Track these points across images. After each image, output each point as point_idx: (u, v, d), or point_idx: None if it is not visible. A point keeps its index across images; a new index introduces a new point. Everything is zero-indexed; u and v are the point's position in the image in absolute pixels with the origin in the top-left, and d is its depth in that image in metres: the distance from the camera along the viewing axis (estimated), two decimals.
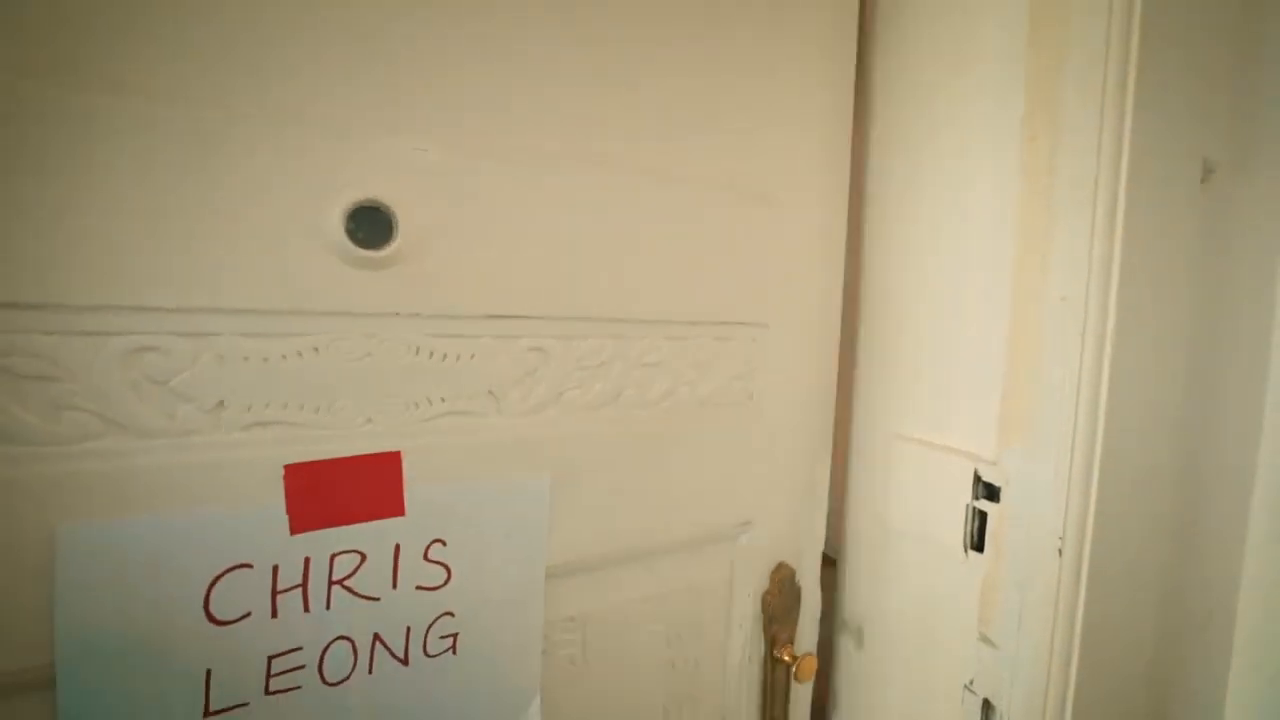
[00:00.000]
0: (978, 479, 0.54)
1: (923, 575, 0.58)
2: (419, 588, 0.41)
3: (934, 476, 0.57)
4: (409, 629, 0.41)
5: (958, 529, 0.55)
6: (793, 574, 0.57)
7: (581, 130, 0.43)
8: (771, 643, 0.56)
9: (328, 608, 0.38)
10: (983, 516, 0.53)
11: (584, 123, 0.43)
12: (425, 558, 0.41)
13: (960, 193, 0.55)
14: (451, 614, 0.42)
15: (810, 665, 0.55)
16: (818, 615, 0.59)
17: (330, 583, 0.38)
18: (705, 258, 0.49)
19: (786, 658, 0.55)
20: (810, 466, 0.59)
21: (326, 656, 0.38)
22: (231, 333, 0.34)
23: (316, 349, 0.37)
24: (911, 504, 0.59)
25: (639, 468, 0.48)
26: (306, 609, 0.37)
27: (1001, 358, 0.52)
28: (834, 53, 0.55)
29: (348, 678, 0.39)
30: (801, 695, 0.58)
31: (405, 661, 0.41)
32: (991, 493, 0.53)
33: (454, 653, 0.43)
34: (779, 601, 0.56)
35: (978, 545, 0.54)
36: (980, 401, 0.53)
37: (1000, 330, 0.52)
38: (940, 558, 0.56)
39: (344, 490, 0.38)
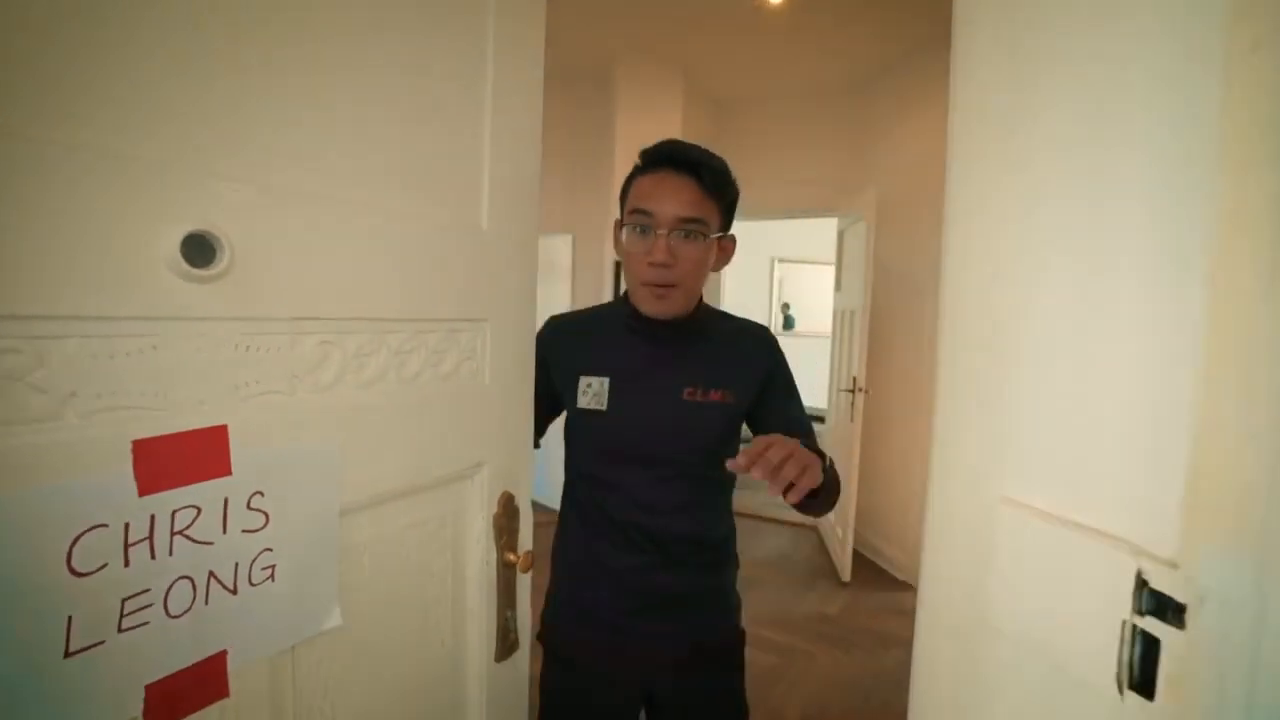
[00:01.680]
0: (1142, 584, 0.35)
1: (1044, 710, 0.40)
2: (244, 531, 0.52)
3: (1063, 567, 0.39)
4: (237, 565, 0.52)
5: (1105, 653, 0.36)
6: (512, 498, 0.81)
7: (357, 181, 0.61)
8: (502, 550, 0.79)
9: (171, 554, 0.48)
10: (1151, 644, 0.34)
11: (356, 176, 0.61)
12: (248, 507, 0.53)
13: (1102, 153, 0.37)
14: (270, 549, 0.54)
15: (528, 559, 0.80)
16: (531, 523, 0.85)
17: (172, 533, 0.48)
18: (440, 271, 0.71)
19: (512, 558, 0.80)
20: (523, 420, 0.85)
21: (170, 594, 0.48)
22: (83, 335, 0.43)
23: (156, 347, 0.46)
24: (1025, 598, 0.41)
25: (403, 428, 0.67)
26: (153, 557, 0.46)
27: (1188, 403, 0.33)
28: (525, 105, 0.80)
29: (189, 609, 0.49)
30: (524, 581, 0.84)
31: (234, 591, 0.52)
32: (1167, 609, 0.34)
33: (273, 580, 0.55)
34: (504, 519, 0.79)
35: (1142, 686, 0.35)
36: (1148, 467, 0.36)
37: (1186, 360, 0.33)
38: (1073, 691, 0.38)
39: (182, 458, 0.48)
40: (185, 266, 0.47)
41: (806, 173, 3.96)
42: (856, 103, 3.75)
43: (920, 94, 3.24)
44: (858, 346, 3.20)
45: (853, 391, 3.15)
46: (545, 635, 1.03)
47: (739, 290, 6.04)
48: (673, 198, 0.85)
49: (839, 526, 3.37)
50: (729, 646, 1.03)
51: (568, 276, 3.94)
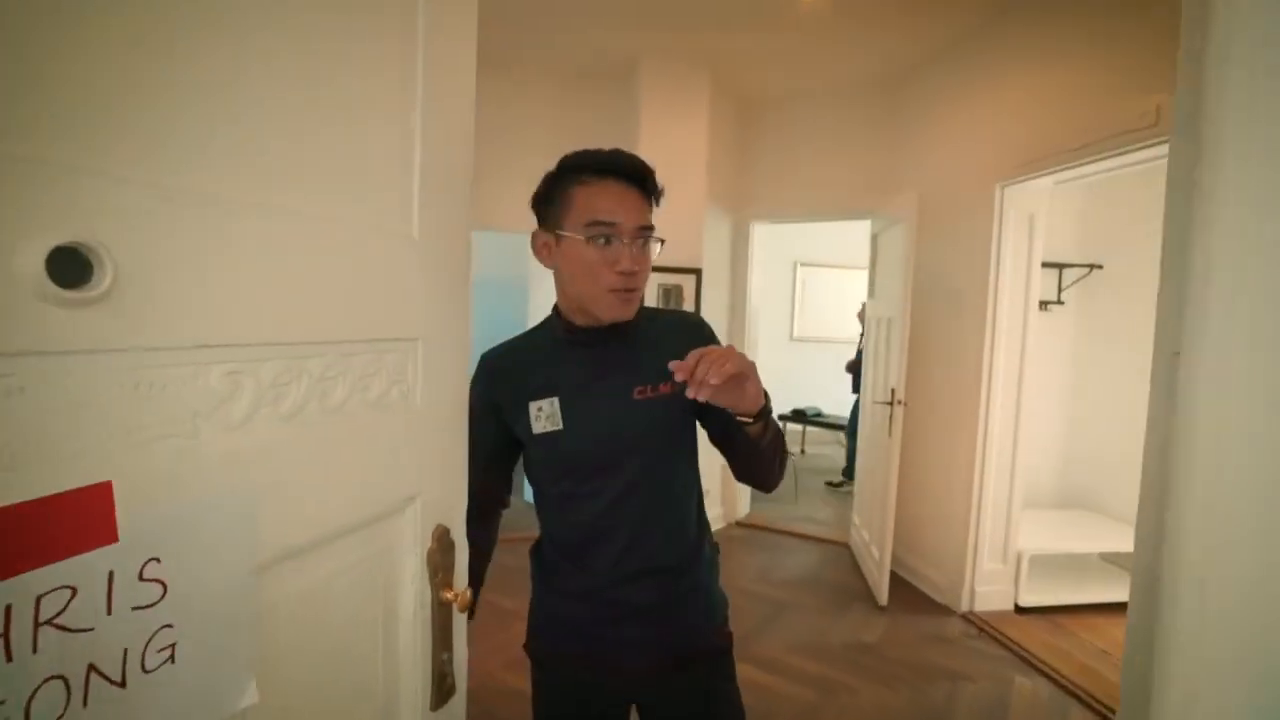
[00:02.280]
0: None
1: None
2: (135, 608, 0.43)
3: None
4: (126, 651, 0.43)
5: None
6: (447, 531, 0.73)
7: (264, 182, 0.51)
8: (437, 588, 0.72)
9: (35, 651, 0.38)
10: None
11: (268, 176, 0.51)
12: (140, 578, 0.43)
13: None
14: (170, 625, 0.45)
15: (466, 598, 0.73)
16: (466, 559, 0.78)
17: (36, 625, 0.38)
18: (367, 285, 0.62)
19: (448, 596, 0.72)
20: (457, 446, 0.78)
21: (34, 702, 0.38)
22: None
23: (23, 389, 0.37)
24: None
25: (328, 465, 0.59)
26: (9, 659, 0.37)
27: None
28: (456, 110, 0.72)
29: (60, 717, 0.39)
30: (460, 620, 0.77)
31: (122, 684, 0.42)
32: None
33: (173, 661, 0.45)
34: (439, 555, 0.72)
35: None
36: None
37: None
38: None
39: (51, 528, 0.39)
40: (54, 288, 0.38)
41: (837, 174, 3.80)
42: (891, 100, 3.58)
43: (960, 90, 3.07)
44: (895, 356, 3.03)
45: (890, 404, 2.98)
46: (529, 646, 1.05)
47: (758, 294, 5.90)
48: (631, 208, 0.88)
49: (874, 546, 3.20)
50: (716, 651, 1.03)
51: None
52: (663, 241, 0.94)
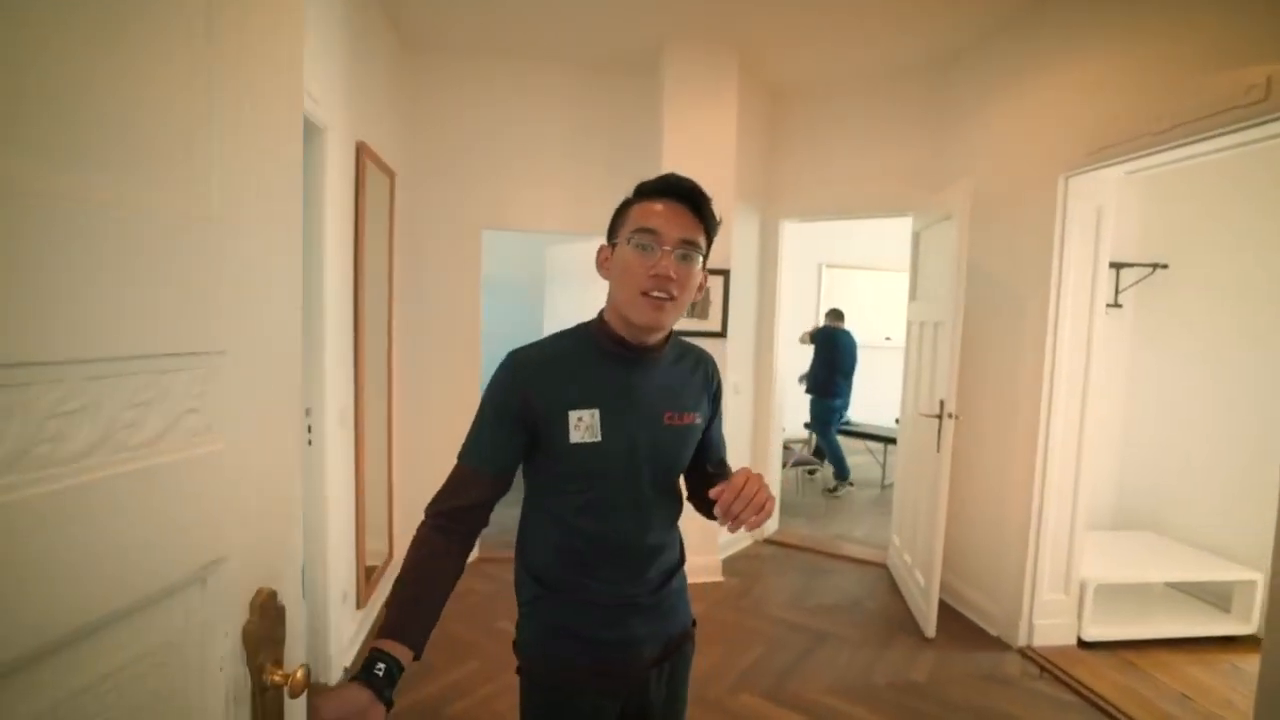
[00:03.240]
0: None
1: None
2: None
3: None
4: None
5: None
6: (274, 595, 0.56)
7: None
8: (259, 671, 0.54)
9: None
10: None
11: None
12: None
13: None
14: None
15: (302, 678, 0.55)
16: (301, 627, 0.60)
17: None
18: (138, 280, 0.44)
19: (277, 679, 0.55)
20: (285, 488, 0.60)
21: None
22: None
23: None
24: None
25: (77, 532, 0.40)
26: None
27: None
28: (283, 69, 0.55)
29: None
30: (297, 707, 0.60)
31: None
32: None
33: None
34: (262, 628, 0.55)
35: None
36: None
37: None
38: None
39: None
40: None
41: (874, 168, 3.54)
42: (936, 86, 3.32)
43: (1016, 72, 2.80)
44: (943, 364, 2.77)
45: (939, 417, 2.72)
46: (523, 665, 1.03)
47: (787, 297, 5.63)
48: (676, 220, 0.92)
49: (920, 572, 2.93)
50: (690, 636, 1.14)
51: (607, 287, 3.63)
52: (706, 257, 0.96)
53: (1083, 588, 2.69)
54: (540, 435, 0.93)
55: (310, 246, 2.21)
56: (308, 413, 2.24)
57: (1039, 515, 2.66)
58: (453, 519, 0.92)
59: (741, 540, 3.90)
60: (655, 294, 0.89)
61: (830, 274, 7.32)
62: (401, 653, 0.81)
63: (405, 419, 3.36)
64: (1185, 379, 3.20)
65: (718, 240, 3.12)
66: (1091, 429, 2.66)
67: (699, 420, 1.02)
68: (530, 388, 0.92)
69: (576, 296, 3.88)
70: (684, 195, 0.94)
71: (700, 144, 3.22)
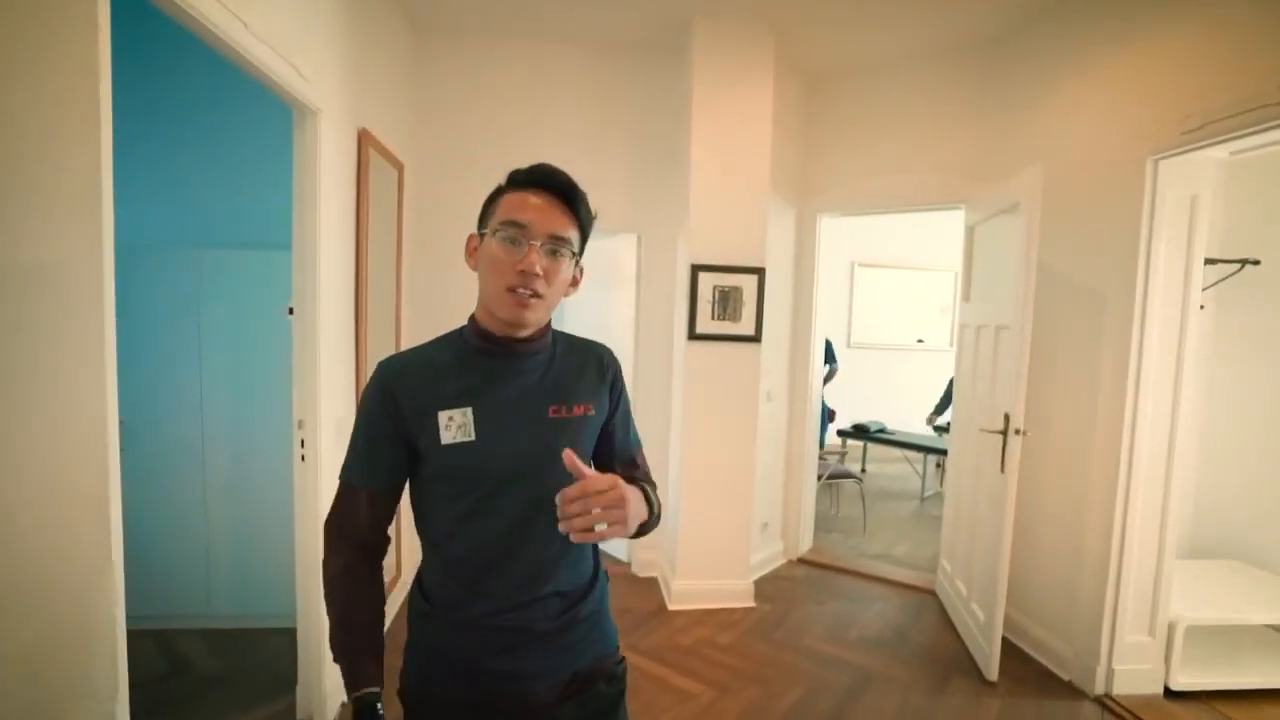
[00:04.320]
0: None
1: None
2: None
3: None
4: None
5: None
6: None
7: None
8: None
9: None
10: None
11: None
12: None
13: None
14: None
15: None
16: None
17: None
18: None
19: None
20: None
21: None
22: None
23: None
24: None
25: None
26: None
27: None
28: None
29: None
30: None
31: None
32: None
33: None
34: None
35: None
36: None
37: None
38: None
39: None
40: None
41: (922, 157, 3.24)
42: (996, 65, 3.00)
43: (1092, 44, 2.48)
44: (1007, 373, 2.46)
45: (1004, 433, 2.42)
46: (406, 692, 0.95)
47: (824, 298, 5.34)
48: (546, 214, 0.87)
49: (979, 606, 2.62)
50: (612, 677, 1.00)
51: (631, 282, 3.39)
52: (580, 265, 0.94)
53: (1171, 629, 2.36)
54: (414, 441, 0.88)
55: (303, 241, 1.99)
56: (300, 425, 2.03)
57: (1121, 544, 2.34)
58: (356, 542, 0.91)
59: (773, 560, 3.61)
60: (520, 290, 0.86)
61: (862, 273, 6.98)
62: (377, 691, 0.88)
63: None
64: (1274, 388, 2.84)
65: (750, 235, 2.78)
66: (1184, 446, 2.34)
67: (593, 412, 0.97)
68: (398, 392, 0.88)
69: (598, 296, 3.63)
70: (556, 188, 0.89)
71: (732, 131, 2.95)
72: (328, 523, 0.91)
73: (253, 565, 2.65)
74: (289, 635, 2.18)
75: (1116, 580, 2.35)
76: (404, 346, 2.99)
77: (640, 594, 3.17)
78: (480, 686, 0.90)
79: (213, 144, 2.71)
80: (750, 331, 3.01)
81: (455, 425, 0.87)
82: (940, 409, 5.16)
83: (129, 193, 2.72)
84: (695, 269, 2.95)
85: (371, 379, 0.91)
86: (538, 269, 0.85)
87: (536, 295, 0.86)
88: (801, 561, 3.71)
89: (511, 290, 0.86)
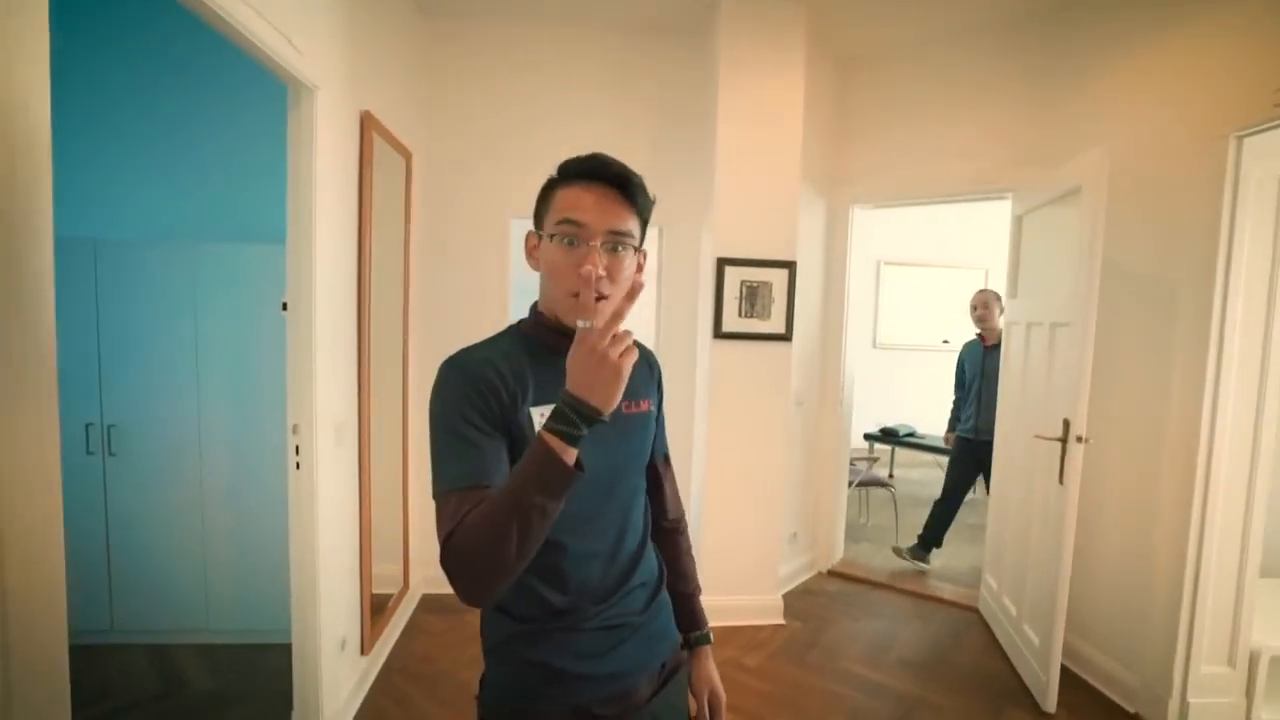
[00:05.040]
0: None
1: None
2: None
3: None
4: None
5: None
6: None
7: None
8: None
9: None
10: None
11: None
12: None
13: None
14: None
15: None
16: None
17: None
18: None
19: None
20: None
21: None
22: None
23: None
24: None
25: None
26: None
27: None
28: None
29: None
30: None
31: None
32: None
33: None
34: None
35: None
36: None
37: None
38: None
39: None
40: None
41: (965, 143, 3.01)
42: (1046, 39, 2.76)
43: (1161, 10, 2.26)
44: (1066, 374, 2.24)
45: (1063, 440, 2.20)
46: (494, 707, 0.88)
47: (855, 295, 5.12)
48: (603, 210, 0.83)
49: (1032, 629, 2.40)
50: (681, 662, 1.02)
51: (651, 277, 3.21)
52: (643, 253, 0.88)
53: (1254, 659, 2.13)
54: (513, 438, 0.82)
55: (298, 229, 1.84)
56: (294, 430, 1.87)
57: (1197, 564, 2.11)
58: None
59: (802, 573, 3.41)
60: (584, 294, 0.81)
61: (888, 272, 6.74)
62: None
63: (422, 427, 2.99)
64: None
65: (780, 227, 2.51)
66: (1270, 454, 2.10)
67: (652, 408, 0.99)
68: (493, 383, 0.81)
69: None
70: (611, 179, 0.83)
71: (761, 115, 2.76)
72: (449, 548, 0.71)
73: (254, 578, 2.50)
74: (289, 651, 2.02)
75: (1191, 604, 2.12)
76: (412, 349, 2.83)
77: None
78: (585, 695, 0.87)
79: (210, 131, 2.58)
80: (780, 329, 2.81)
81: None
82: (955, 423, 3.97)
83: (118, 181, 2.61)
84: (721, 263, 2.76)
85: (450, 376, 0.82)
86: (600, 270, 0.79)
87: (601, 297, 0.80)
88: (832, 574, 3.50)
89: (576, 295, 0.78)
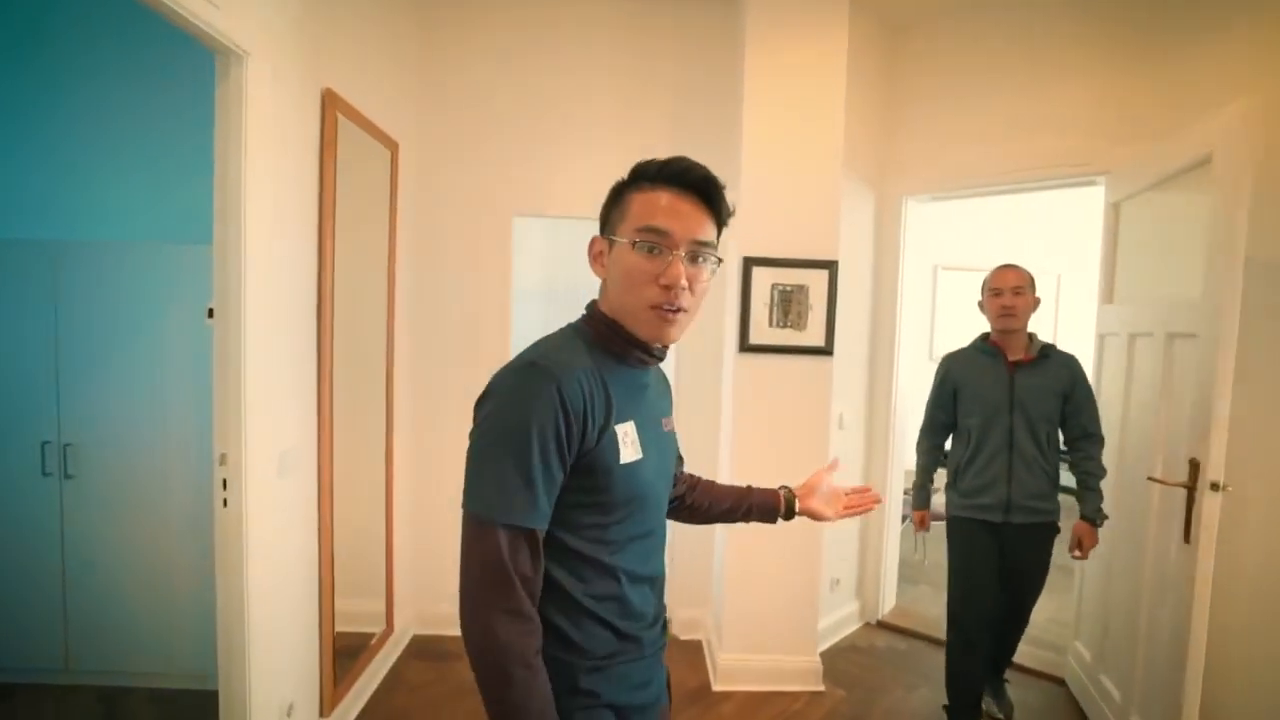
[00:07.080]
0: None
1: None
2: None
3: None
4: None
5: None
6: None
7: None
8: None
9: None
10: None
11: None
12: None
13: None
14: None
15: None
16: None
17: None
18: None
19: None
20: None
21: None
22: None
23: None
24: None
25: None
26: None
27: None
28: None
29: None
30: None
31: None
32: None
33: None
34: None
35: None
36: None
37: None
38: None
39: None
40: None
41: (1043, 119, 2.53)
42: None
43: None
44: (1192, 402, 1.74)
45: (1190, 488, 1.69)
46: None
47: (908, 301, 4.61)
48: (687, 218, 0.80)
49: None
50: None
51: None
52: (720, 260, 0.85)
53: None
54: (586, 461, 0.76)
55: (225, 223, 1.54)
56: (221, 461, 1.57)
57: None
58: (532, 605, 0.74)
59: (846, 624, 2.94)
60: (665, 306, 0.79)
61: (946, 277, 6.14)
62: None
63: (411, 449, 2.69)
64: None
65: (819, 223, 2.15)
66: None
67: (676, 427, 0.99)
68: (583, 407, 0.75)
69: None
70: (695, 185, 0.79)
71: (795, 89, 2.36)
72: (487, 585, 0.71)
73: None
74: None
75: None
76: (398, 363, 2.54)
77: (680, 664, 2.58)
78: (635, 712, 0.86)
79: (176, 127, 2.36)
80: (819, 342, 2.39)
81: (629, 441, 0.81)
82: (942, 490, 2.54)
83: (80, 180, 2.43)
84: (749, 263, 2.36)
85: (533, 380, 0.74)
86: (683, 281, 0.78)
87: (679, 310, 0.80)
88: (883, 625, 3.02)
89: (656, 308, 0.79)
